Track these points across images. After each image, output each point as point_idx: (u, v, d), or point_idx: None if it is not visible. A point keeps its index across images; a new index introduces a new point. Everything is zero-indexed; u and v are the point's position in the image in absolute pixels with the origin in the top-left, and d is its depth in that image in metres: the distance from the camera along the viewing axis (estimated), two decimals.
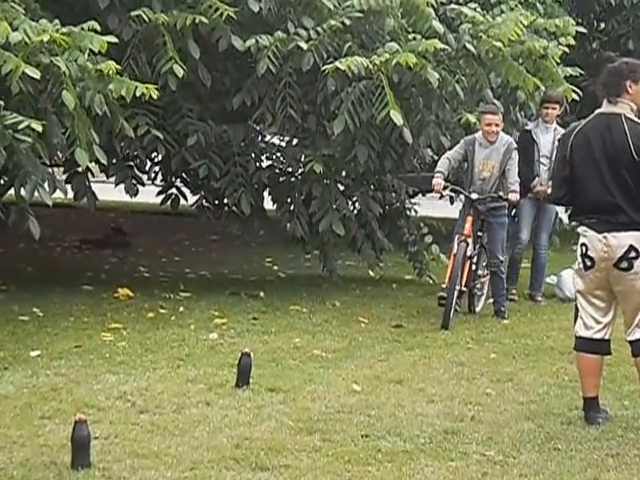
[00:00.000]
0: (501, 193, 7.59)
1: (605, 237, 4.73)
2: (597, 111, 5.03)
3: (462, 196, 7.76)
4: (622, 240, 4.71)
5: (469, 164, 7.70)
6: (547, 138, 8.48)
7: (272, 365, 5.77)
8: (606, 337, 4.91)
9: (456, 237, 7.46)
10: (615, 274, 4.75)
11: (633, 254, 4.72)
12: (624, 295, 4.79)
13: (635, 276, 4.73)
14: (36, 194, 6.47)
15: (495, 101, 8.40)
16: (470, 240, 7.46)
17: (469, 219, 7.51)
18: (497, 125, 7.61)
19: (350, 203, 9.00)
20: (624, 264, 4.73)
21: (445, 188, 7.60)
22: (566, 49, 8.71)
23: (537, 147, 8.23)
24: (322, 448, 4.22)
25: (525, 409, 4.98)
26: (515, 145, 7.77)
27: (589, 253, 4.79)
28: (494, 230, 7.77)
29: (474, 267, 7.72)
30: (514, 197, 7.55)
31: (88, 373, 5.43)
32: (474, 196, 7.56)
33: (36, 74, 6.04)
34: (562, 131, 8.72)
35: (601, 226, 4.76)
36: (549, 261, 9.34)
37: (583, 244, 4.83)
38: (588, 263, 4.82)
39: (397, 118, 7.35)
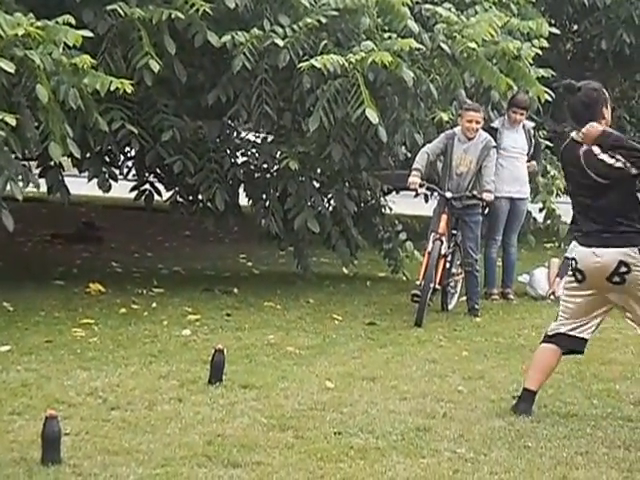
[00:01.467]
0: (475, 192, 7.64)
1: (594, 252, 4.76)
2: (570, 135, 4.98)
3: (437, 194, 7.79)
4: (611, 256, 4.72)
5: (447, 158, 7.74)
6: (516, 136, 8.54)
7: (245, 362, 5.77)
8: (581, 336, 4.93)
9: (431, 235, 7.48)
10: (609, 287, 4.78)
11: (624, 269, 4.73)
12: (625, 301, 4.81)
13: (630, 285, 4.74)
14: (8, 188, 6.42)
15: (467, 100, 8.46)
16: (445, 238, 7.49)
17: (444, 217, 7.54)
18: (478, 123, 7.68)
19: (325, 200, 9.02)
20: (616, 279, 4.75)
21: (421, 186, 7.63)
22: (539, 50, 8.78)
23: (498, 147, 8.24)
24: (295, 445, 4.22)
25: (496, 407, 5.02)
26: (493, 143, 7.82)
27: (579, 267, 4.82)
28: (469, 228, 7.81)
29: (448, 265, 7.76)
30: (488, 197, 7.60)
31: (59, 369, 5.40)
32: (449, 195, 7.60)
33: (10, 68, 6.00)
34: (531, 124, 8.81)
35: (589, 241, 4.79)
36: (522, 260, 9.43)
37: (573, 258, 4.85)
38: (579, 277, 4.85)
39: (372, 116, 7.37)
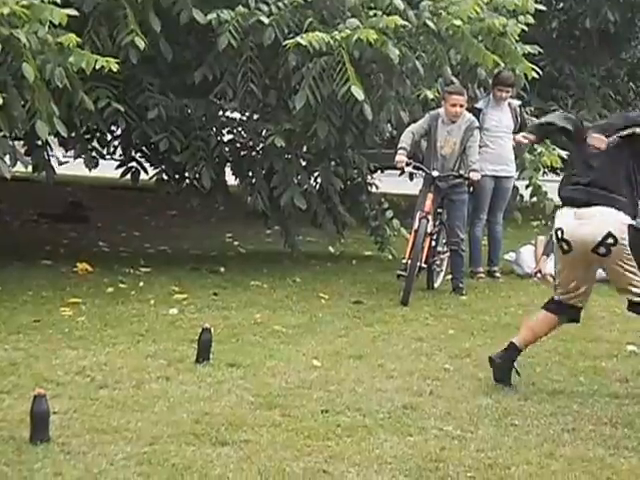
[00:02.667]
0: (462, 171, 7.66)
1: (575, 213, 4.82)
2: None
3: (423, 173, 7.79)
4: (598, 222, 4.76)
5: (431, 139, 7.75)
6: (500, 115, 8.54)
7: (232, 340, 5.78)
8: (578, 305, 5.05)
9: (417, 214, 7.50)
10: (594, 258, 4.83)
11: (611, 240, 4.76)
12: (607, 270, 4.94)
13: (613, 258, 4.80)
14: None
15: (454, 79, 8.46)
16: (431, 217, 7.51)
17: (430, 196, 7.55)
18: (462, 106, 7.68)
19: (312, 178, 9.02)
20: (602, 250, 4.79)
21: (408, 165, 7.64)
22: (525, 27, 8.77)
23: (482, 127, 8.24)
24: (282, 423, 4.24)
25: (483, 385, 5.05)
26: (477, 124, 7.83)
27: (565, 236, 4.85)
28: (454, 207, 7.83)
29: (434, 244, 7.78)
30: (475, 176, 7.61)
31: (47, 348, 5.39)
32: (435, 173, 7.61)
33: None
34: (517, 103, 8.82)
35: (574, 194, 4.84)
36: (508, 238, 9.45)
37: (559, 228, 4.87)
38: (565, 247, 4.88)
39: (358, 93, 7.36)
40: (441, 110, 7.79)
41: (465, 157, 7.66)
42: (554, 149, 9.81)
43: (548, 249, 8.82)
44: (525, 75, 8.65)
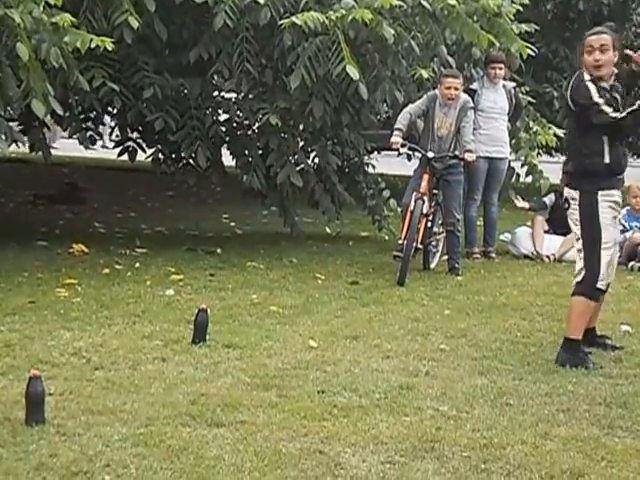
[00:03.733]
0: (457, 152, 7.66)
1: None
2: None
3: (419, 154, 7.79)
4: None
5: (429, 121, 7.76)
6: (495, 96, 8.53)
7: (229, 321, 5.78)
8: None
9: (413, 195, 7.49)
10: None
11: (566, 205, 5.21)
12: None
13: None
14: None
15: (449, 58, 8.44)
16: (426, 198, 7.51)
17: (425, 177, 7.55)
18: (456, 89, 7.69)
19: (310, 158, 9.01)
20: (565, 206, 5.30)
21: (403, 146, 7.64)
22: (520, 7, 8.74)
23: (477, 108, 8.23)
24: (278, 404, 4.25)
25: (478, 365, 5.06)
26: (471, 104, 7.82)
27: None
28: (450, 188, 7.83)
29: (430, 225, 7.78)
30: (470, 157, 7.61)
31: (42, 329, 5.39)
32: (430, 154, 7.60)
33: None
34: (512, 84, 8.80)
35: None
36: (503, 218, 9.46)
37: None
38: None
39: (353, 73, 7.34)
40: (438, 91, 7.79)
41: (459, 137, 7.68)
42: (550, 128, 9.79)
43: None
44: (520, 56, 8.61)
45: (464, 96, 7.83)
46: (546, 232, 8.83)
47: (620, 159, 5.19)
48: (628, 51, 5.31)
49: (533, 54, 8.78)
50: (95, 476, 3.37)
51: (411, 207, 7.44)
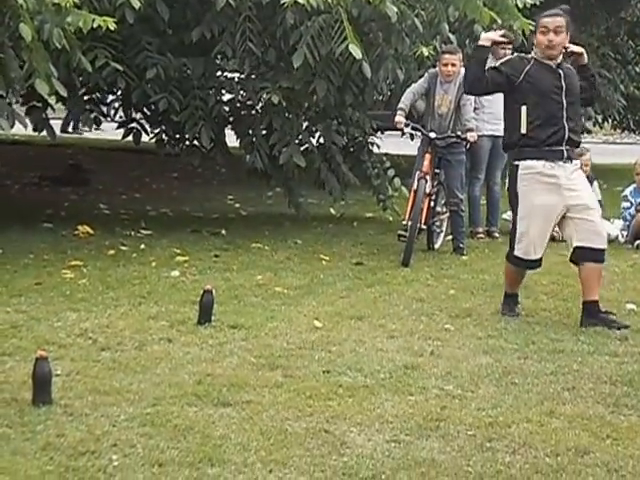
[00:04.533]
0: (459, 132, 7.64)
1: None
2: None
3: (421, 134, 7.77)
4: None
5: (430, 99, 7.75)
6: None
7: (234, 302, 5.79)
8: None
9: (416, 174, 7.49)
10: None
11: None
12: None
13: None
14: None
15: (451, 36, 8.39)
16: (429, 177, 7.49)
17: (427, 156, 7.53)
18: (454, 65, 7.66)
19: (314, 138, 8.99)
20: None
21: (406, 126, 7.63)
22: None
23: None
24: (284, 384, 4.26)
25: (483, 344, 5.06)
26: None
27: None
28: (452, 167, 7.83)
29: (433, 204, 7.78)
30: (472, 136, 7.58)
31: (48, 310, 5.41)
32: (432, 135, 7.59)
33: None
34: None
35: None
36: (506, 197, 9.41)
37: None
38: None
39: (356, 52, 7.30)
40: (438, 69, 7.78)
41: (460, 115, 7.65)
42: None
43: None
44: (523, 32, 8.56)
45: (464, 72, 7.79)
46: None
47: (546, 130, 5.44)
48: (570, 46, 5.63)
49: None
50: (102, 456, 3.39)
51: (414, 187, 7.44)
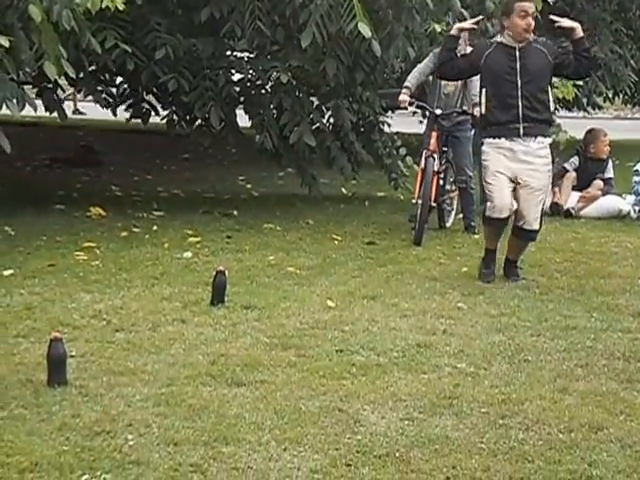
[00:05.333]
0: (465, 107, 7.59)
1: None
2: None
3: (427, 112, 7.73)
4: None
5: (436, 78, 7.68)
6: None
7: (247, 283, 5.80)
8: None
9: (423, 152, 7.47)
10: None
11: None
12: None
13: None
14: (5, 111, 6.39)
15: (463, 11, 8.33)
16: (436, 155, 7.46)
17: (434, 134, 7.50)
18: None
19: (325, 117, 8.96)
20: None
21: (411, 104, 7.59)
22: None
23: None
24: (297, 363, 4.27)
25: (496, 322, 5.06)
26: None
27: None
28: (460, 145, 7.80)
29: (442, 182, 7.75)
30: (478, 111, 7.51)
31: (62, 292, 5.43)
32: (438, 111, 7.55)
33: None
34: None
35: None
36: None
37: None
38: None
39: (365, 30, 7.26)
40: None
41: (467, 92, 7.61)
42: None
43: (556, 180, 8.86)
44: (535, 8, 8.48)
45: (469, 50, 7.74)
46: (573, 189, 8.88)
47: (503, 110, 5.83)
48: (553, 17, 5.88)
49: (549, 3, 8.66)
50: (118, 435, 3.41)
51: (422, 165, 7.42)
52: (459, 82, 7.63)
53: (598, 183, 8.84)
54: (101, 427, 3.48)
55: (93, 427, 3.48)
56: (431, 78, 7.81)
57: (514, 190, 5.89)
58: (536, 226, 5.97)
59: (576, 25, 5.92)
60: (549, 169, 5.98)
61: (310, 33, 7.47)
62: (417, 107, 7.79)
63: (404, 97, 7.49)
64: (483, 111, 5.98)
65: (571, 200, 8.79)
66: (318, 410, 3.71)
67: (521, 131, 5.83)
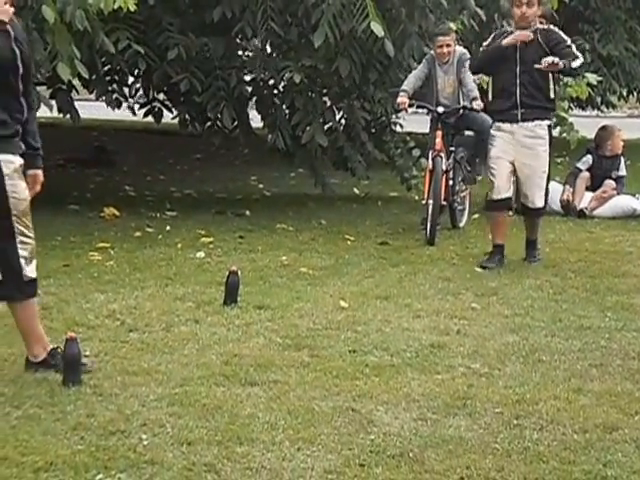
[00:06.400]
0: (465, 103, 7.55)
1: None
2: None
3: (429, 112, 7.70)
4: None
5: (432, 82, 7.65)
6: None
7: (260, 283, 5.81)
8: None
9: (430, 153, 7.45)
10: None
11: None
12: None
13: None
14: None
15: (477, 9, 8.32)
16: (443, 154, 7.44)
17: (438, 133, 7.47)
18: (449, 46, 7.59)
19: (337, 117, 8.95)
20: None
21: (411, 106, 7.57)
22: None
23: None
24: (310, 364, 4.27)
25: (510, 322, 5.05)
26: (468, 56, 7.72)
27: None
28: (466, 140, 7.76)
29: (451, 182, 7.73)
30: (478, 105, 7.48)
31: (77, 292, 5.45)
32: (440, 109, 7.52)
33: None
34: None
35: None
36: None
37: None
38: None
39: (377, 29, 7.25)
40: (434, 52, 7.70)
41: (463, 88, 7.57)
42: (584, 77, 9.48)
43: (570, 181, 8.84)
44: (551, 6, 8.47)
45: (459, 49, 7.74)
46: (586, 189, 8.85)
47: (504, 97, 6.31)
48: (537, 65, 6.19)
49: (565, 2, 8.63)
50: (132, 435, 3.42)
51: (429, 166, 7.40)
52: (455, 83, 7.61)
53: (610, 183, 8.80)
54: (115, 427, 3.49)
55: (107, 427, 3.49)
56: (426, 84, 7.77)
57: (514, 172, 6.44)
58: (539, 204, 6.49)
59: (555, 61, 6.14)
60: (546, 149, 6.38)
61: (323, 33, 7.47)
62: (417, 107, 7.76)
63: (403, 99, 7.46)
64: (490, 98, 6.51)
65: (584, 200, 8.75)
66: (331, 410, 3.71)
67: (519, 117, 6.31)
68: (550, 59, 6.12)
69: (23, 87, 3.97)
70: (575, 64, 6.22)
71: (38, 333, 4.09)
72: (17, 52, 3.90)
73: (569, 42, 6.35)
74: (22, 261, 3.98)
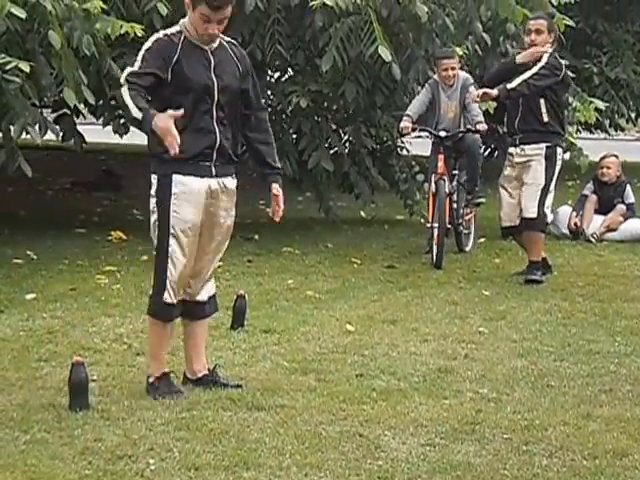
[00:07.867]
0: (469, 126, 7.56)
1: None
2: None
3: (431, 136, 7.70)
4: None
5: (435, 107, 7.65)
6: None
7: (266, 307, 5.80)
8: None
9: (432, 176, 7.45)
10: None
11: None
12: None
13: None
14: (27, 135, 6.44)
15: (484, 35, 8.36)
16: (446, 177, 7.44)
17: (440, 157, 7.47)
18: (453, 69, 7.59)
19: (342, 141, 8.97)
20: None
21: (414, 130, 7.58)
22: None
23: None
24: (317, 388, 4.26)
25: (518, 346, 5.03)
26: (471, 80, 7.74)
27: None
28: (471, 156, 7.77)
29: (455, 205, 7.73)
30: (482, 127, 7.49)
31: (84, 316, 5.45)
32: (442, 134, 7.53)
33: (22, 13, 5.96)
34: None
35: None
36: None
37: None
38: None
39: (385, 54, 7.28)
40: (437, 77, 7.71)
41: (467, 114, 7.57)
42: (591, 102, 9.50)
43: (578, 208, 8.82)
44: (558, 26, 8.49)
45: (463, 74, 7.75)
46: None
47: (512, 123, 6.78)
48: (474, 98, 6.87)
49: (573, 26, 8.66)
50: (139, 460, 3.41)
51: (432, 189, 7.40)
52: (458, 108, 7.62)
53: (621, 208, 8.78)
54: (123, 451, 3.47)
55: (115, 451, 3.47)
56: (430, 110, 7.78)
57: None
58: (532, 214, 6.64)
59: (488, 92, 6.52)
60: (542, 164, 6.62)
61: (331, 57, 7.50)
62: (420, 131, 7.78)
63: (406, 124, 7.46)
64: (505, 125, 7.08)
65: (593, 225, 8.71)
66: (339, 435, 3.69)
67: (517, 141, 6.76)
68: (481, 91, 6.57)
69: None
70: (511, 85, 6.45)
71: None
72: None
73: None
74: None
